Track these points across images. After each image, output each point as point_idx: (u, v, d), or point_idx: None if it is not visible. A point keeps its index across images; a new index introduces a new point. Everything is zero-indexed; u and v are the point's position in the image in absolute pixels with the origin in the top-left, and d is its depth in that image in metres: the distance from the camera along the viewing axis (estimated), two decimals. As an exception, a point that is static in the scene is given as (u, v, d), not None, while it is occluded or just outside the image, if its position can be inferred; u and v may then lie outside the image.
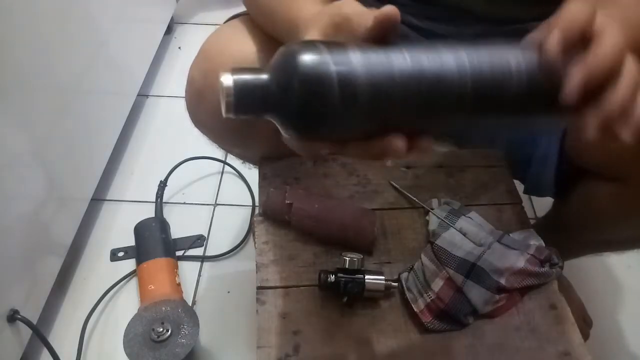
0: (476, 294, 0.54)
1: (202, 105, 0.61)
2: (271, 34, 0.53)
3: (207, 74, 0.58)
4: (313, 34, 0.40)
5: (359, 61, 0.35)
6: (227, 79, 0.35)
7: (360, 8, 0.41)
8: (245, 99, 0.36)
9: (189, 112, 0.64)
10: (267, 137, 0.64)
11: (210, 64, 0.58)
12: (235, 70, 0.36)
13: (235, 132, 0.63)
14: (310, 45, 0.36)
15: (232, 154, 0.78)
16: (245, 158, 0.82)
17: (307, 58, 0.35)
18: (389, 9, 0.38)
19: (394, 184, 0.67)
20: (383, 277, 0.55)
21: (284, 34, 0.49)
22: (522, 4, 0.69)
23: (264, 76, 0.36)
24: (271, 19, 0.51)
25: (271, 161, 0.69)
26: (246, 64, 0.54)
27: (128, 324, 0.86)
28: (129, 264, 1.03)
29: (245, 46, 0.56)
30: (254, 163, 0.84)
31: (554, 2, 0.73)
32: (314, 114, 0.35)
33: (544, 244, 0.60)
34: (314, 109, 0.35)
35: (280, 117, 0.37)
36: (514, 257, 0.57)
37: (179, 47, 1.54)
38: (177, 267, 1.00)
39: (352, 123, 0.36)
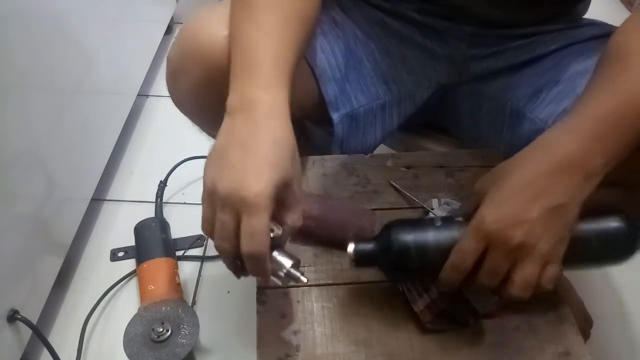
0: (474, 294, 0.54)
1: (178, 85, 0.63)
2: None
3: (181, 54, 0.61)
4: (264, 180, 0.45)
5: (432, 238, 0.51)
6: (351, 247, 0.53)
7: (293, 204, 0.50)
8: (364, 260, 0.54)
9: (169, 93, 0.66)
10: None
11: (185, 45, 0.60)
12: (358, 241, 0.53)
13: (212, 113, 0.65)
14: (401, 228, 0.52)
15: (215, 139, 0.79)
16: None
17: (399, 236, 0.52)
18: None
19: (393, 183, 0.67)
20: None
21: (235, 73, 0.51)
22: (522, 7, 0.69)
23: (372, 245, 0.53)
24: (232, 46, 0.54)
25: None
26: (216, 46, 0.56)
27: (128, 324, 0.86)
28: (129, 264, 1.03)
29: (218, 29, 0.58)
30: None
31: (553, 5, 0.73)
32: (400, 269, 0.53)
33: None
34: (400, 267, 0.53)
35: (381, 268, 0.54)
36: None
37: (179, 47, 1.54)
38: (177, 267, 1.00)
39: (420, 273, 0.53)
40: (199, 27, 0.59)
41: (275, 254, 0.50)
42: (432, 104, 0.78)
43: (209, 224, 0.48)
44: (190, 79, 0.61)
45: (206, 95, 0.60)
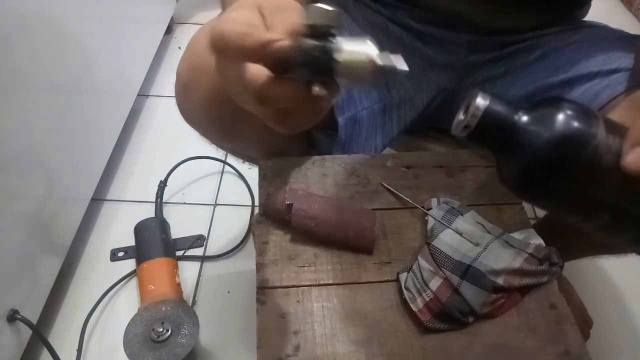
0: (472, 294, 0.54)
1: (188, 99, 0.62)
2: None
3: (192, 68, 0.59)
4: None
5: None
6: (482, 102, 0.36)
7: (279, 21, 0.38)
8: (489, 127, 0.36)
9: (178, 107, 0.65)
10: (255, 132, 0.64)
11: (195, 58, 0.59)
12: (494, 97, 0.36)
13: (223, 126, 0.64)
14: (591, 115, 0.36)
15: (224, 150, 0.79)
16: (238, 154, 0.83)
17: (580, 122, 0.35)
18: (281, 46, 0.36)
19: (385, 184, 0.66)
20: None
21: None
22: (520, 14, 0.69)
23: (520, 115, 0.36)
24: None
25: (271, 161, 0.69)
26: None
27: (128, 324, 0.86)
28: (129, 264, 1.04)
29: None
30: (249, 160, 0.84)
31: (552, 12, 0.73)
32: (553, 171, 0.35)
33: (543, 244, 0.60)
34: (556, 166, 0.35)
35: (513, 161, 0.37)
36: (511, 257, 0.57)
37: (179, 47, 1.55)
38: (177, 267, 1.00)
39: (584, 194, 0.36)
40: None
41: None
42: (434, 110, 0.78)
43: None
44: (201, 93, 0.59)
45: (218, 109, 0.59)
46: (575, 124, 0.35)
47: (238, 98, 0.42)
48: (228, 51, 0.37)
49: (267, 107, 0.39)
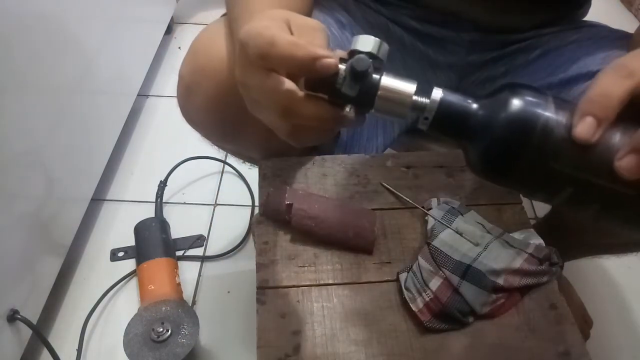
0: (472, 294, 0.54)
1: (191, 101, 0.62)
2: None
3: (195, 70, 0.59)
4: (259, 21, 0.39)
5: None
6: (437, 94, 0.38)
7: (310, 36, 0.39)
8: (446, 117, 0.39)
9: (180, 108, 0.65)
10: (257, 133, 0.64)
11: (198, 60, 0.59)
12: (449, 89, 0.39)
13: (225, 128, 0.64)
14: (540, 93, 0.37)
15: (225, 151, 0.79)
16: (239, 155, 0.83)
17: (530, 102, 0.36)
18: (331, 62, 0.37)
19: (385, 184, 0.66)
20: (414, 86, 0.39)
21: (236, 21, 0.49)
22: (520, 14, 0.69)
23: (475, 103, 0.38)
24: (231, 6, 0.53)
25: (271, 161, 0.69)
26: (230, 60, 0.54)
27: (128, 324, 0.86)
28: (129, 264, 1.04)
29: (230, 43, 0.56)
30: (250, 160, 0.85)
31: (552, 12, 0.73)
32: (507, 152, 0.37)
33: (543, 244, 0.60)
34: (509, 147, 0.37)
35: (474, 147, 0.39)
36: (511, 258, 0.57)
37: (179, 47, 1.55)
38: (177, 267, 1.00)
39: (540, 175, 0.37)
40: (210, 42, 0.58)
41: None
42: None
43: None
44: (203, 95, 0.59)
45: (221, 111, 0.59)
46: (523, 103, 0.36)
47: (255, 106, 0.41)
48: (274, 58, 0.36)
49: (287, 121, 0.39)
